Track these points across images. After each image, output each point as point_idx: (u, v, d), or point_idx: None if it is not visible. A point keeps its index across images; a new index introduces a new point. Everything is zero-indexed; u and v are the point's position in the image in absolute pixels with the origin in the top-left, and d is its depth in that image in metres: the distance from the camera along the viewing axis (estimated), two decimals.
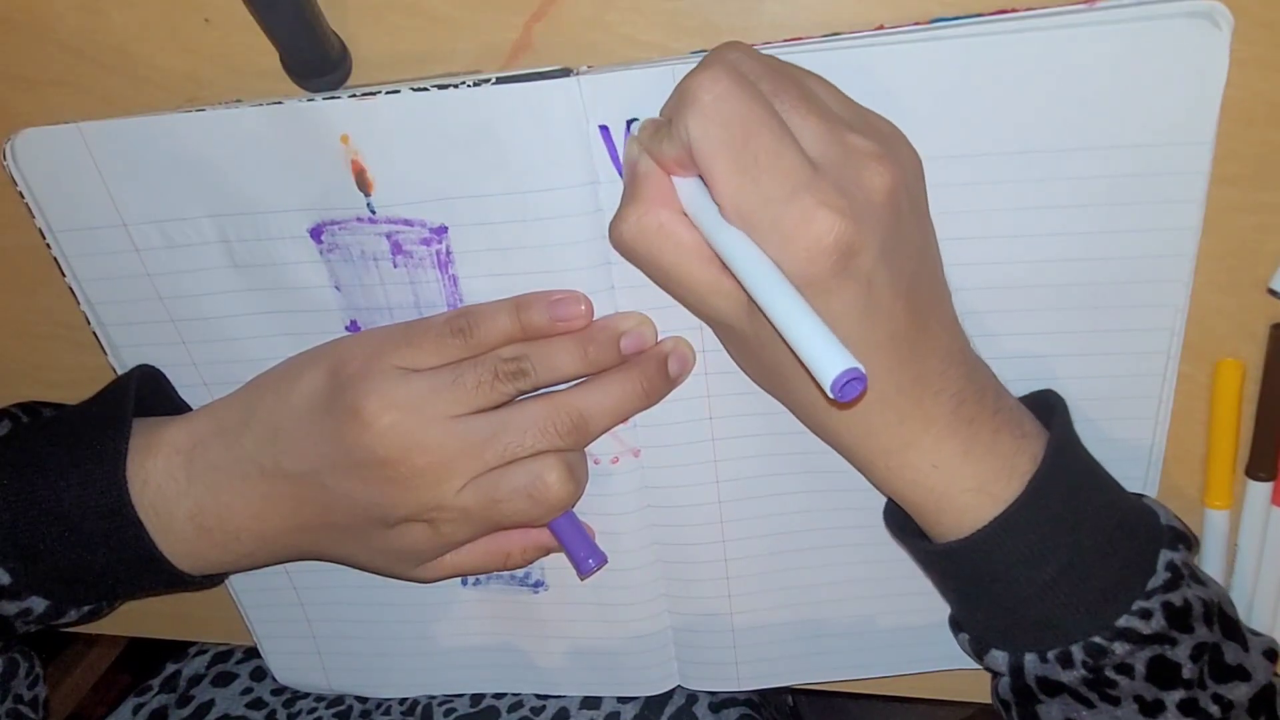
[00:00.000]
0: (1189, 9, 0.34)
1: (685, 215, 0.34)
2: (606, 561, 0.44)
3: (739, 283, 0.32)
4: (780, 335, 0.30)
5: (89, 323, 0.44)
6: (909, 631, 0.48)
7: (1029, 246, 0.38)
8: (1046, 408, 0.38)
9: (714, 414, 0.43)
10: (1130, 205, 0.37)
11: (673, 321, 0.41)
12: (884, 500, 0.44)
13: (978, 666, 0.48)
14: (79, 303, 0.44)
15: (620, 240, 0.36)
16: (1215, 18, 0.34)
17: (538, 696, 0.53)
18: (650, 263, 0.36)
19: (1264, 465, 0.42)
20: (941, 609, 0.47)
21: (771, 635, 0.48)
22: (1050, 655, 0.36)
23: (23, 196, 0.41)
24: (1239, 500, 0.43)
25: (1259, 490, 0.43)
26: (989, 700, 0.50)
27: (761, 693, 0.58)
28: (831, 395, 0.29)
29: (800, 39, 0.36)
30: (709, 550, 0.46)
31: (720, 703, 0.54)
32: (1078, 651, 0.35)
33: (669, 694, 0.52)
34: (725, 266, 0.34)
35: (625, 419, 0.42)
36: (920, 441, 0.35)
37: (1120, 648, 0.35)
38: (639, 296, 0.40)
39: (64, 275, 0.43)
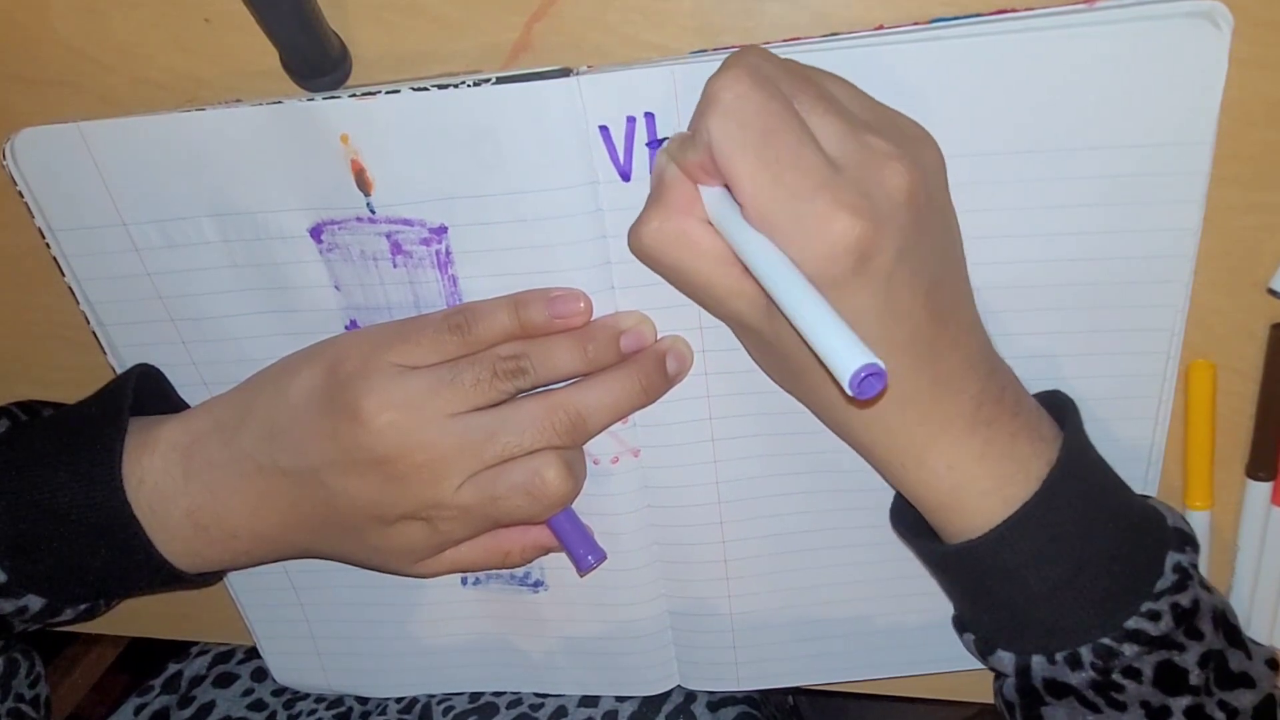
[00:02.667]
0: (1189, 9, 0.34)
1: (706, 222, 0.34)
2: (606, 558, 0.44)
3: (759, 284, 0.32)
4: (799, 334, 0.30)
5: (89, 323, 0.44)
6: (909, 632, 0.48)
7: (1029, 246, 0.38)
8: (1058, 409, 0.38)
9: (714, 414, 0.43)
10: (1130, 205, 0.37)
11: (672, 321, 0.41)
12: (885, 500, 0.44)
13: (978, 667, 0.48)
14: (79, 303, 0.44)
15: (640, 245, 0.36)
16: (1215, 18, 0.34)
17: (536, 694, 0.53)
18: (670, 267, 0.36)
19: (1264, 465, 0.42)
20: (941, 610, 0.47)
21: (771, 635, 0.48)
22: (1058, 657, 0.36)
23: (23, 196, 0.41)
24: (1238, 500, 0.43)
25: (1259, 490, 0.43)
26: (990, 700, 0.50)
27: (762, 691, 0.58)
28: (850, 393, 0.28)
29: (800, 39, 0.36)
30: (709, 550, 0.46)
31: (719, 700, 0.54)
32: (1086, 653, 0.35)
33: (668, 692, 0.52)
34: (746, 270, 0.34)
35: (624, 417, 0.42)
36: (938, 443, 0.35)
37: (1129, 649, 0.35)
38: (639, 296, 0.40)
39: (64, 275, 0.43)
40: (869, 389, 0.28)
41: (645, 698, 0.52)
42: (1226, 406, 0.42)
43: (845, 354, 0.28)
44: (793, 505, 0.45)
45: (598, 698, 0.53)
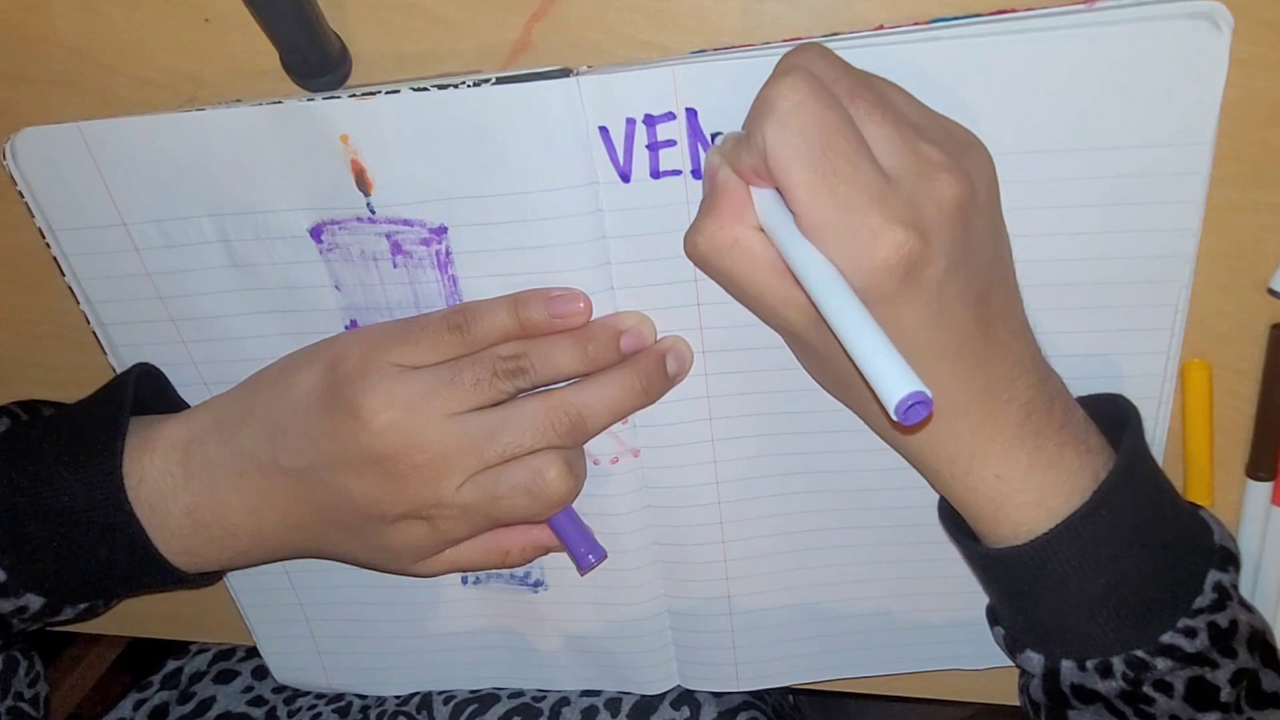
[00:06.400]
0: (1189, 10, 0.34)
1: (759, 229, 0.34)
2: (606, 556, 0.44)
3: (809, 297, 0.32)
4: (846, 353, 0.30)
5: (89, 322, 0.44)
6: (909, 631, 0.48)
7: (1029, 246, 0.38)
8: (1120, 416, 0.38)
9: (714, 414, 0.43)
10: (1130, 205, 0.37)
11: (672, 321, 0.41)
12: (884, 500, 0.44)
13: (978, 667, 0.48)
14: (79, 302, 0.44)
15: (695, 252, 0.36)
16: (1215, 19, 0.34)
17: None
18: (723, 275, 0.36)
19: (1264, 465, 0.42)
20: (941, 609, 0.47)
21: (771, 635, 0.48)
22: (1089, 664, 0.36)
23: (23, 196, 0.41)
24: (1238, 500, 0.43)
25: (1259, 490, 0.43)
26: (989, 700, 0.50)
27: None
28: (896, 418, 0.28)
29: (800, 39, 0.36)
30: (708, 550, 0.46)
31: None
32: (1118, 663, 0.35)
33: None
34: (798, 280, 0.34)
35: (624, 417, 0.42)
36: (986, 452, 0.35)
37: (1162, 664, 0.35)
38: (639, 296, 0.40)
39: (64, 275, 0.43)
40: (915, 416, 0.28)
41: None
42: (1227, 406, 0.42)
43: (893, 380, 0.28)
44: (793, 505, 0.45)
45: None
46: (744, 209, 0.34)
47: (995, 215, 0.35)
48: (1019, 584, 0.37)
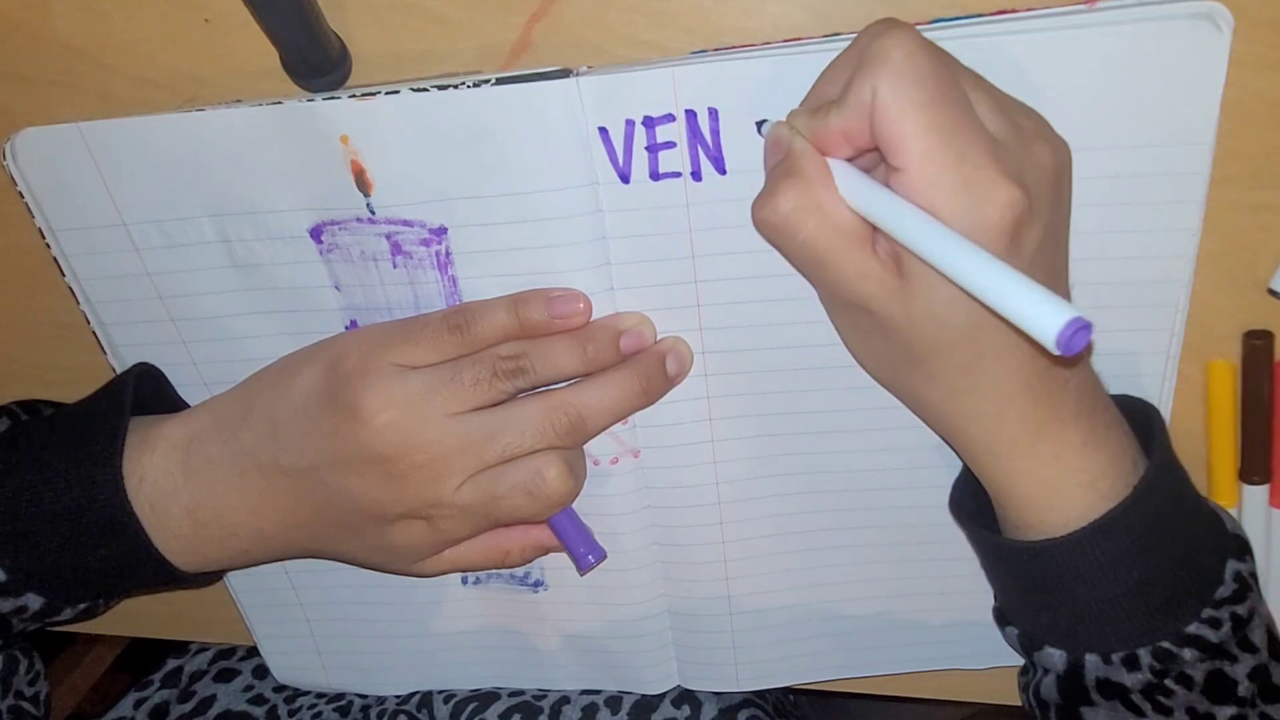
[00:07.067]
0: (1189, 10, 0.34)
1: (839, 197, 0.33)
2: (606, 557, 0.44)
3: (910, 256, 0.32)
4: (982, 298, 0.29)
5: (89, 322, 0.44)
6: (908, 631, 0.48)
7: None
8: (1143, 415, 0.38)
9: (714, 414, 0.43)
10: (1130, 206, 0.37)
11: (672, 322, 0.41)
12: (884, 500, 0.44)
13: (977, 667, 0.48)
14: (79, 302, 0.44)
15: (775, 217, 0.34)
16: (1215, 19, 0.34)
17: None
18: (801, 243, 0.34)
19: (1257, 469, 0.42)
20: (940, 609, 0.47)
21: (771, 635, 0.48)
22: (1115, 657, 0.36)
23: (23, 196, 0.41)
24: (1239, 501, 0.43)
25: (1258, 493, 0.43)
26: (988, 700, 0.50)
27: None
28: (1058, 351, 0.27)
29: (800, 39, 0.36)
30: (709, 550, 0.46)
31: None
32: (1145, 655, 0.35)
33: None
34: (875, 250, 0.33)
35: (624, 417, 0.42)
36: (1047, 430, 0.35)
37: (1189, 654, 0.35)
38: (639, 297, 0.40)
39: (64, 275, 0.43)
40: (1077, 344, 0.27)
41: None
42: None
43: (1050, 309, 0.27)
44: (793, 505, 0.45)
45: None
46: (824, 175, 0.33)
47: (1070, 191, 0.35)
48: (1050, 577, 0.36)
